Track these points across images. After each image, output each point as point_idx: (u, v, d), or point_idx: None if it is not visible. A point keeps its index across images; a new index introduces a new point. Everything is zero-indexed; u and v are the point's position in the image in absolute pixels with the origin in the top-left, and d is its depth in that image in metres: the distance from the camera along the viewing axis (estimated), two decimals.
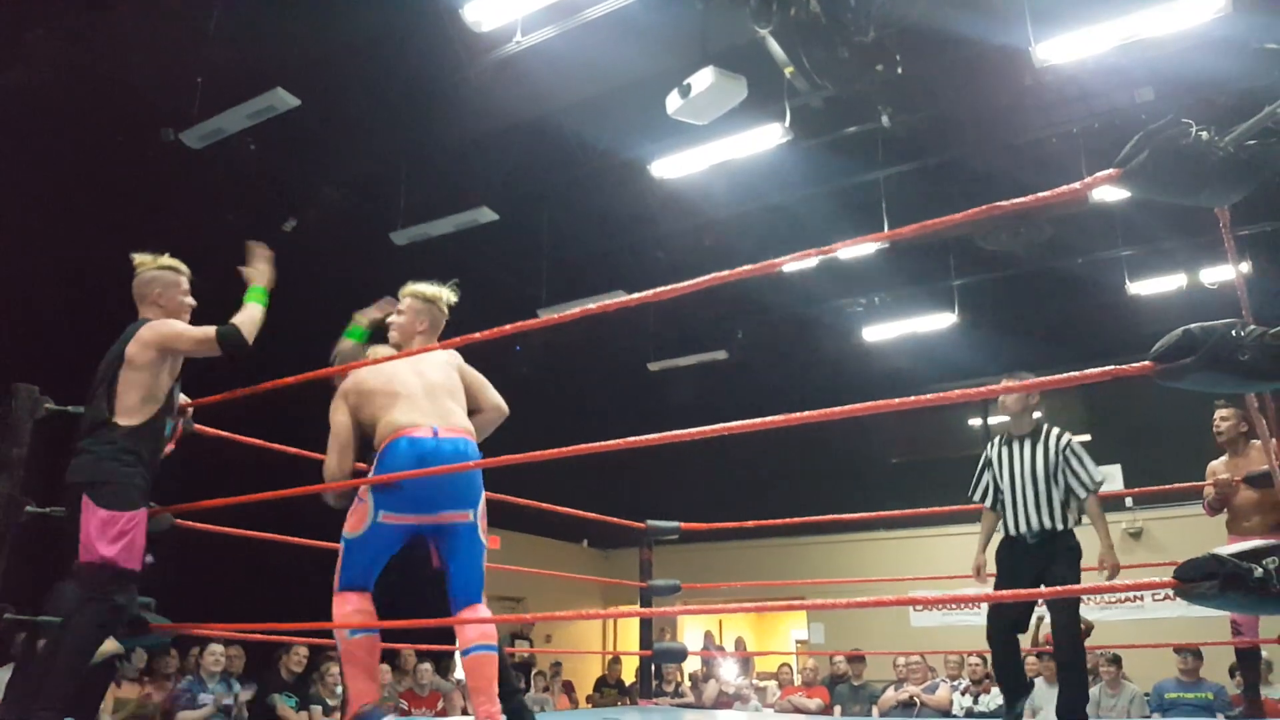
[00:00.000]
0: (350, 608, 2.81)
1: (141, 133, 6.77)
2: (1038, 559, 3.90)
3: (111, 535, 2.79)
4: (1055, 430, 4.06)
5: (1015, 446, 4.07)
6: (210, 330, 2.99)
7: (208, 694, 6.01)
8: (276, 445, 3.83)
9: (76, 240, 7.06)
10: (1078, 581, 3.85)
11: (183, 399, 3.32)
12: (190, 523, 3.58)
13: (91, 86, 6.35)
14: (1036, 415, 4.15)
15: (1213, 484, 4.71)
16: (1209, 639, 5.71)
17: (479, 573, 2.82)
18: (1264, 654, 5.26)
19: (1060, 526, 3.91)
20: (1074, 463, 3.95)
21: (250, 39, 6.30)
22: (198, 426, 3.45)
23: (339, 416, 3.01)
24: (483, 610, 2.79)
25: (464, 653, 2.74)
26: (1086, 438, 4.78)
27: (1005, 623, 3.95)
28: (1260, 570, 1.79)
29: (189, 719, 5.85)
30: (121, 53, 6.11)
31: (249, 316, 3.04)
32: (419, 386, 2.94)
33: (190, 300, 3.24)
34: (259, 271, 3.16)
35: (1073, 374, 2.53)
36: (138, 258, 3.21)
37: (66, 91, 6.35)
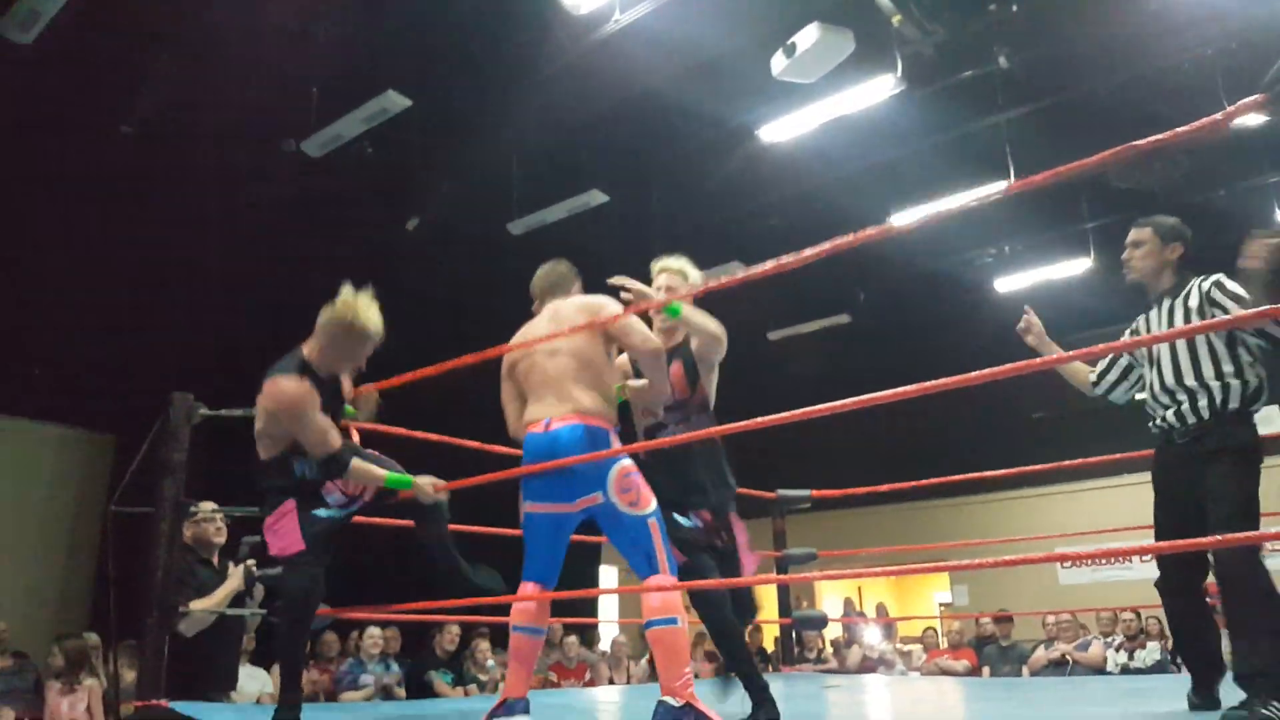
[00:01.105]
0: (518, 605, 2.91)
1: (265, 146, 7.08)
2: (1191, 465, 2.82)
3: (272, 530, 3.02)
4: (1205, 280, 2.98)
5: (1153, 311, 3.10)
6: (333, 438, 2.95)
7: (368, 674, 6.31)
8: (419, 433, 3.96)
9: (216, 253, 7.47)
10: (1241, 491, 2.71)
11: (354, 389, 3.35)
12: None
13: (215, 106, 6.67)
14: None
15: None
16: None
17: (639, 547, 2.76)
18: None
19: (1209, 413, 2.82)
20: (1222, 297, 2.86)
21: (357, 45, 6.50)
22: (344, 423, 3.57)
23: (503, 388, 3.13)
24: (657, 582, 2.72)
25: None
26: None
27: (1170, 563, 2.90)
28: None
29: (352, 699, 6.16)
30: (239, 71, 6.38)
31: (368, 470, 3.03)
32: (541, 377, 2.95)
33: (356, 365, 3.14)
34: (422, 489, 3.13)
35: (1225, 317, 2.39)
36: (344, 294, 3.02)
37: (195, 114, 6.70)
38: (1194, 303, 2.92)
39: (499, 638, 7.78)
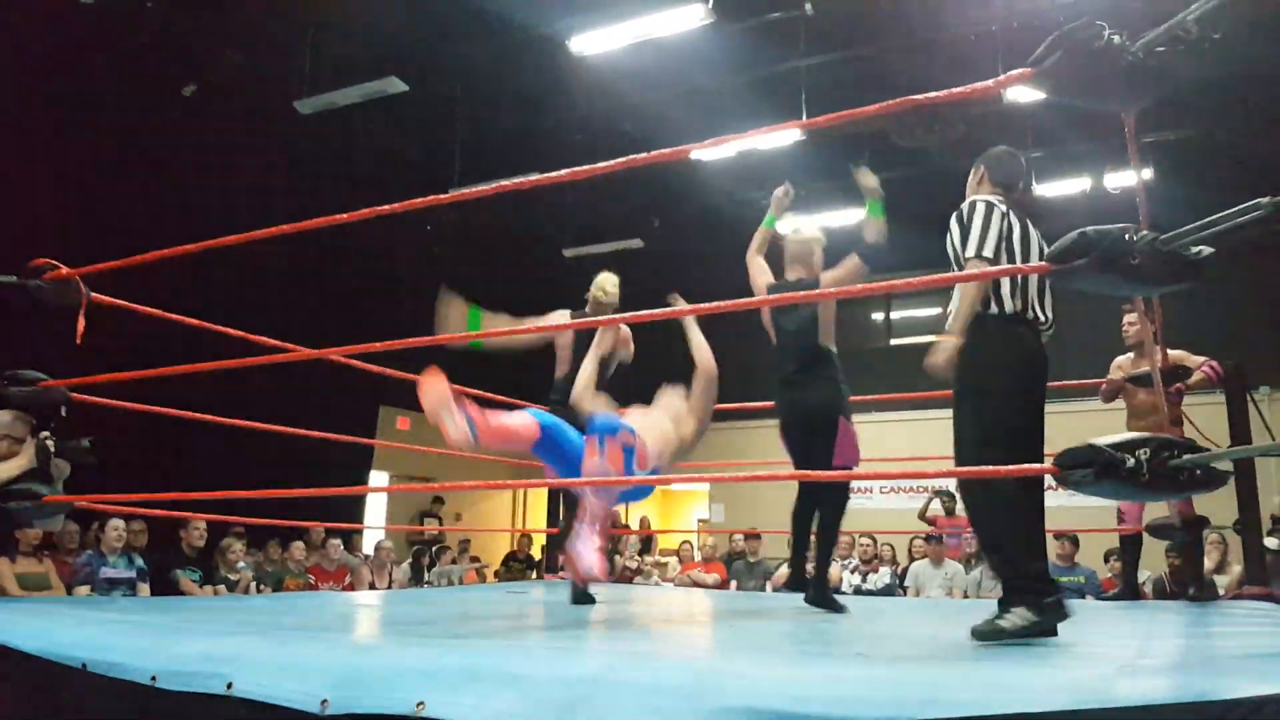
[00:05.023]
0: None
1: None
2: None
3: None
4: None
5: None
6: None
7: (109, 568, 5.91)
8: (175, 316, 3.70)
9: None
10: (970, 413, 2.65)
11: (63, 269, 3.19)
12: (87, 397, 3.47)
13: None
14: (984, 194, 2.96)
15: (1105, 382, 5.07)
16: (1089, 526, 6.19)
17: None
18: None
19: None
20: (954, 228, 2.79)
21: None
22: (95, 296, 3.32)
23: None
24: None
25: None
26: None
27: None
28: (1132, 460, 1.91)
29: (81, 593, 5.72)
30: None
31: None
32: None
33: None
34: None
35: (973, 272, 2.62)
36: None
37: None
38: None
39: (254, 538, 7.51)
